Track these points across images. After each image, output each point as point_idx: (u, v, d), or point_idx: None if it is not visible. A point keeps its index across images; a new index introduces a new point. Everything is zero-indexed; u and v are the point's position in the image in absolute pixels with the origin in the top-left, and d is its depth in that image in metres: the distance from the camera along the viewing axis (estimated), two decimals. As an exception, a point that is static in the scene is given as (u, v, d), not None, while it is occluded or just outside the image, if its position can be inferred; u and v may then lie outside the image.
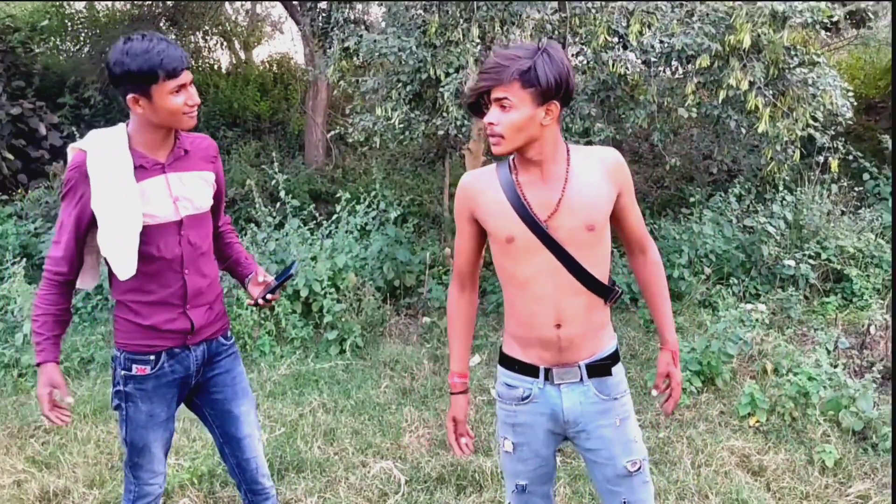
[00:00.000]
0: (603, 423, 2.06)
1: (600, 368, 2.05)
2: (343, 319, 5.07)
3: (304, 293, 5.13)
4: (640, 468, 2.09)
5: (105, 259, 2.19)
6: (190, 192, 2.25)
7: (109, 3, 13.79)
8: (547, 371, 2.04)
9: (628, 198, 2.02)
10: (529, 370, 2.06)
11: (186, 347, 2.31)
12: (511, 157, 2.01)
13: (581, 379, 2.03)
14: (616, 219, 2.04)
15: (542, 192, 1.95)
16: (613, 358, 2.08)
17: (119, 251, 2.13)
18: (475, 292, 2.21)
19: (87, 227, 2.16)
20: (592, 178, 1.95)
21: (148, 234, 2.16)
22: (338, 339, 5.01)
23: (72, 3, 12.69)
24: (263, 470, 2.56)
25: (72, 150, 2.18)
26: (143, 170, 2.15)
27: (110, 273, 2.21)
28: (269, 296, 2.38)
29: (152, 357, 2.26)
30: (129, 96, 2.07)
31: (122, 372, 2.27)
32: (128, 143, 2.15)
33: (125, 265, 2.14)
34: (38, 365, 2.21)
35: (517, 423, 2.11)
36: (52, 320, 2.20)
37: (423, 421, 4.04)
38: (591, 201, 1.94)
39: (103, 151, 2.12)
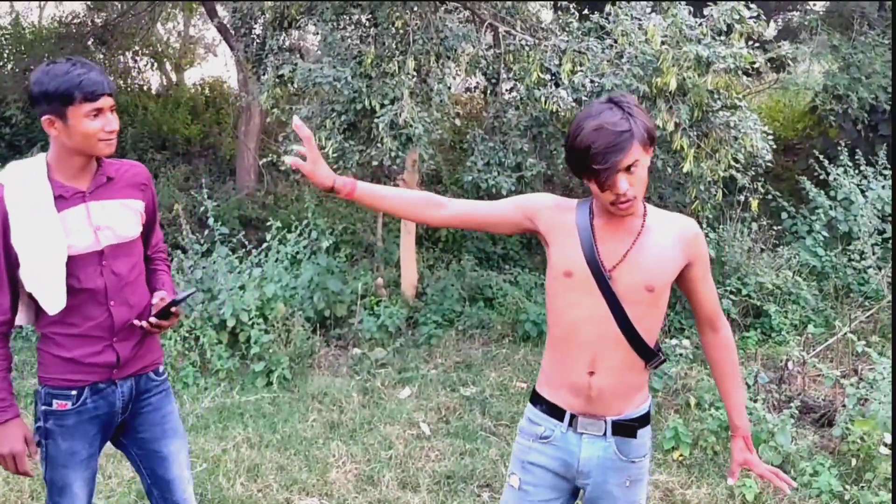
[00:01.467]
0: (613, 481, 2.04)
1: (626, 429, 2.02)
2: (271, 350, 4.97)
3: (230, 323, 5.02)
4: None
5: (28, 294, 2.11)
6: (112, 220, 2.17)
7: (35, 21, 13.41)
8: (573, 417, 2.02)
9: (700, 270, 2.01)
10: (555, 412, 2.05)
11: (112, 382, 2.22)
12: (592, 199, 1.98)
13: (605, 434, 2.02)
14: (687, 291, 2.04)
15: (614, 242, 1.94)
16: (642, 420, 2.06)
17: (45, 286, 2.05)
18: (439, 217, 2.08)
19: (15, 266, 2.07)
20: (664, 241, 1.95)
21: (69, 266, 2.08)
22: (265, 371, 4.91)
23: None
24: None
25: None
26: (62, 199, 2.08)
27: (35, 306, 2.13)
28: (153, 320, 2.23)
29: (74, 392, 2.16)
30: (45, 117, 2.02)
31: (43, 407, 2.17)
32: (47, 172, 2.08)
33: (54, 299, 2.06)
34: (6, 422, 2.08)
35: (529, 461, 2.09)
36: (4, 374, 2.09)
37: (350, 456, 3.97)
38: (656, 263, 1.93)
39: (21, 183, 2.05)
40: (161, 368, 2.38)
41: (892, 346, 4.60)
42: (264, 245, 5.75)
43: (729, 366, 2.11)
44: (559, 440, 2.04)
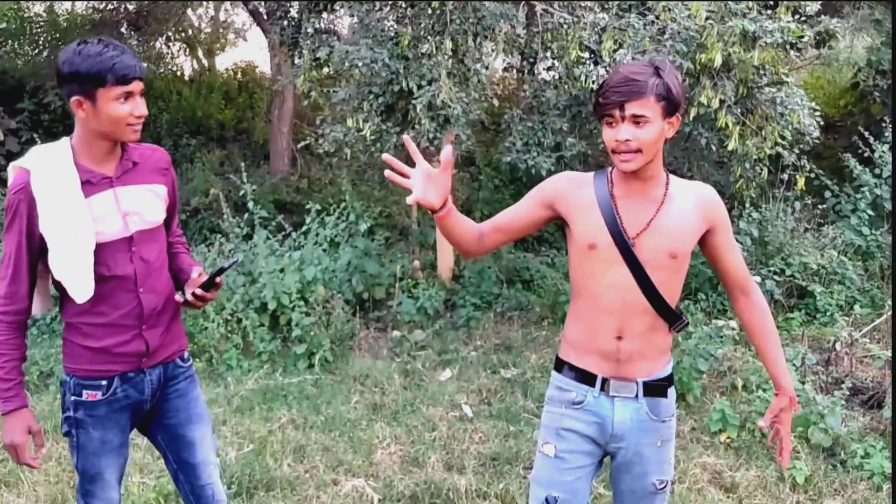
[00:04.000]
0: (646, 442, 2.08)
1: (657, 389, 2.06)
2: (312, 333, 4.99)
3: (272, 306, 5.05)
4: (665, 486, 2.13)
5: (55, 282, 2.09)
6: (140, 206, 2.14)
7: (69, 6, 13.54)
8: (604, 381, 2.05)
9: (722, 236, 2.02)
10: (586, 377, 2.07)
11: (141, 371, 2.20)
12: (610, 170, 2.03)
13: (637, 396, 2.05)
14: (712, 258, 2.06)
15: (636, 210, 1.97)
16: (669, 380, 2.10)
17: (74, 273, 2.03)
18: (489, 244, 2.12)
19: (37, 254, 2.04)
20: (685, 208, 1.98)
21: (98, 253, 2.05)
22: (306, 353, 4.93)
23: (31, 6, 12.42)
24: (220, 497, 2.43)
25: (13, 170, 2.05)
26: (90, 185, 2.05)
27: (61, 294, 2.12)
28: (198, 291, 2.21)
29: (104, 382, 2.14)
30: (74, 98, 1.97)
31: (72, 397, 2.15)
32: (72, 157, 2.04)
33: (82, 287, 2.04)
34: (9, 413, 2.06)
35: (563, 428, 2.10)
36: (16, 364, 2.08)
37: (394, 437, 3.98)
38: (679, 229, 1.96)
39: (48, 169, 2.01)
40: (186, 354, 2.36)
41: (893, 346, 4.51)
42: (303, 228, 5.75)
43: (766, 327, 2.09)
44: (592, 405, 2.06)
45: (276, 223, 5.86)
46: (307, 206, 5.89)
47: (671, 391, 2.10)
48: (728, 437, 3.90)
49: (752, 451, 3.80)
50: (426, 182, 1.92)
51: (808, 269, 5.82)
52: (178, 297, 2.24)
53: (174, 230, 2.40)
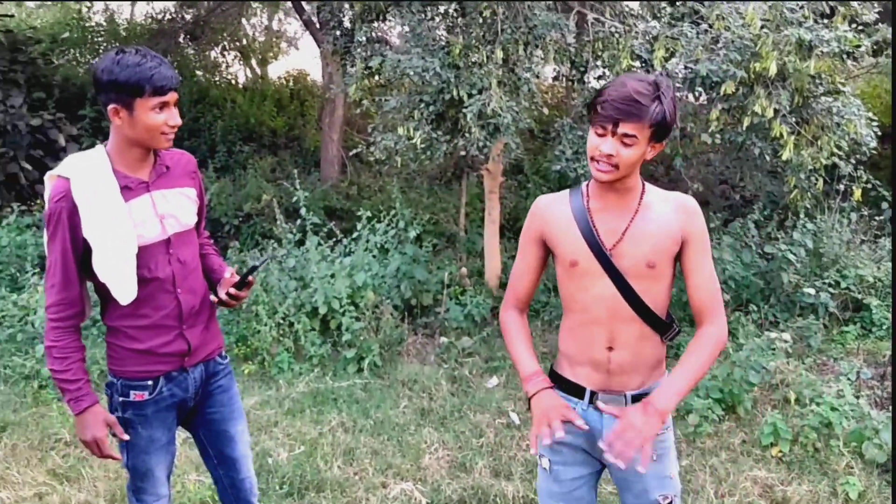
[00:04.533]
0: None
1: None
2: (361, 338, 5.06)
3: (322, 310, 5.13)
4: (671, 502, 2.11)
5: (96, 285, 2.16)
6: (175, 209, 2.22)
7: (128, 16, 13.94)
8: (593, 394, 2.06)
9: (694, 250, 1.98)
10: (575, 390, 2.08)
11: (184, 370, 2.28)
12: (584, 184, 2.06)
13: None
14: (684, 273, 2.03)
15: (611, 221, 1.99)
16: None
17: (119, 275, 2.09)
18: (527, 316, 2.23)
19: (81, 259, 2.11)
20: (662, 217, 1.98)
21: (138, 256, 2.11)
22: (356, 358, 5.00)
23: (92, 14, 12.83)
24: (255, 490, 2.54)
25: (50, 179, 2.11)
26: (128, 190, 2.12)
27: (102, 298, 2.19)
28: (232, 290, 2.29)
29: (150, 382, 2.22)
30: (111, 106, 2.03)
31: (120, 399, 2.22)
32: (110, 164, 2.11)
33: (126, 289, 2.10)
34: (83, 411, 2.13)
35: (556, 441, 2.08)
36: (80, 364, 2.14)
37: (442, 442, 4.02)
38: (655, 238, 1.96)
39: (87, 176, 2.08)
40: (224, 352, 2.44)
41: (893, 346, 4.39)
42: (354, 234, 5.84)
43: (690, 353, 1.95)
44: (581, 418, 2.05)
45: (327, 229, 5.95)
46: (357, 213, 5.97)
47: None
48: (780, 451, 3.84)
49: (805, 465, 3.74)
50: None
51: (864, 281, 5.71)
52: (213, 297, 2.32)
53: (202, 231, 2.48)
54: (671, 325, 2.04)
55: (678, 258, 2.01)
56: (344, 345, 5.08)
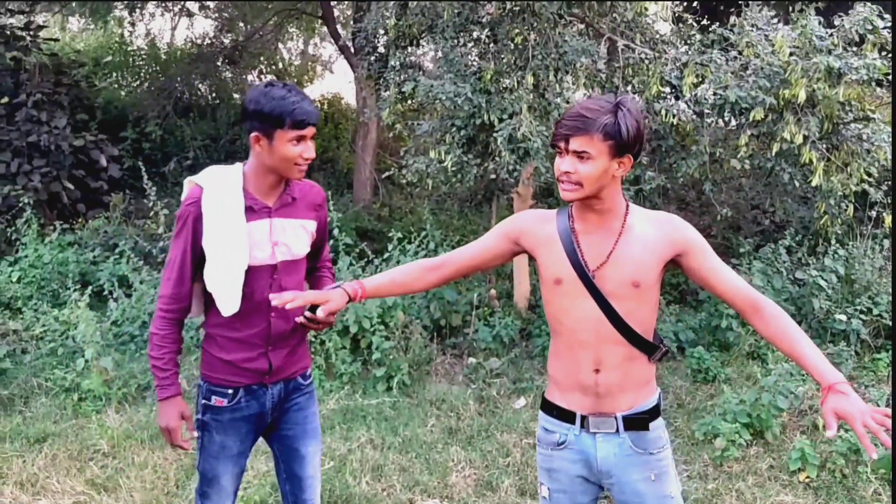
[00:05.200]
0: (637, 477, 2.06)
1: (637, 422, 2.06)
2: (391, 357, 5.14)
3: (353, 329, 5.22)
4: None
5: (204, 292, 2.30)
6: (289, 238, 2.33)
7: (169, 41, 14.32)
8: (583, 418, 2.07)
9: (699, 258, 1.99)
10: (567, 416, 2.09)
11: (264, 385, 2.37)
12: (570, 205, 2.06)
13: (617, 430, 2.05)
14: (703, 284, 2.02)
15: (596, 243, 2.00)
16: (652, 413, 2.09)
17: (225, 288, 2.23)
18: (436, 280, 2.21)
19: (197, 263, 2.26)
20: (646, 238, 1.99)
21: (245, 274, 2.24)
22: (385, 376, 5.07)
23: (134, 39, 13.21)
24: None
25: (188, 184, 2.28)
26: (251, 211, 2.25)
27: (206, 303, 2.33)
28: (308, 314, 2.29)
29: (230, 391, 2.34)
30: (253, 134, 2.18)
31: (203, 401, 2.36)
32: (242, 183, 2.25)
33: (230, 302, 2.24)
34: (166, 399, 2.29)
35: (552, 469, 2.14)
36: (174, 356, 2.30)
37: (469, 461, 4.06)
38: (640, 259, 1.97)
39: (219, 189, 2.23)
40: (308, 372, 2.52)
41: (893, 348, 4.33)
42: (385, 255, 5.94)
43: (791, 330, 1.92)
44: (574, 443, 2.08)
45: (358, 250, 6.06)
46: (388, 234, 6.08)
47: (655, 424, 2.08)
48: (807, 477, 3.83)
49: (832, 491, 3.73)
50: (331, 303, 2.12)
51: (897, 308, 5.66)
52: (298, 318, 2.38)
53: (323, 257, 2.59)
54: (658, 346, 2.05)
55: (687, 275, 2.02)
56: (374, 363, 5.16)
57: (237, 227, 2.22)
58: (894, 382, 3.77)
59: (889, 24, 4.70)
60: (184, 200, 2.26)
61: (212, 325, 2.35)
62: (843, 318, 5.45)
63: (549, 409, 2.14)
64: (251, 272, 2.26)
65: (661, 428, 2.11)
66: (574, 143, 1.88)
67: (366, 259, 5.96)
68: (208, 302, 2.33)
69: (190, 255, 2.25)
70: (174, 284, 2.26)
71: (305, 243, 2.39)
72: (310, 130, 2.19)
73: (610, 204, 1.98)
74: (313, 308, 2.32)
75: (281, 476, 2.54)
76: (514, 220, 2.15)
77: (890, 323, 5.56)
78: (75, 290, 5.74)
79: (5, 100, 8.60)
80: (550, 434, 2.13)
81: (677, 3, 10.18)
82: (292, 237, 2.34)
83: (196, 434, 2.36)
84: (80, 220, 8.32)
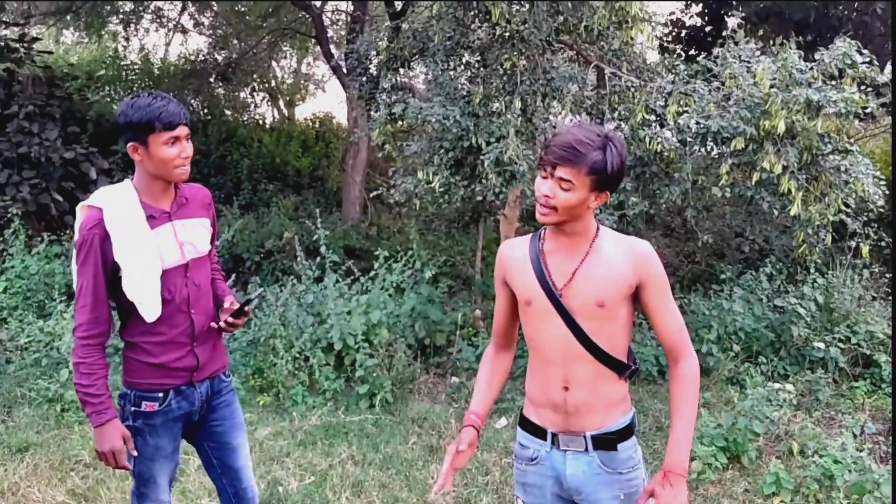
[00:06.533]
0: (605, 497, 2.09)
1: (606, 442, 2.08)
2: (374, 374, 5.18)
3: (338, 346, 5.26)
4: None
5: (119, 305, 2.37)
6: (193, 237, 2.44)
7: (162, 56, 14.41)
8: (554, 436, 2.12)
9: (653, 293, 2.03)
10: (539, 432, 2.15)
11: (192, 385, 2.47)
12: (543, 229, 2.13)
13: (586, 449, 2.08)
14: (648, 316, 2.07)
15: (563, 262, 2.05)
16: (622, 433, 2.10)
17: (146, 295, 2.31)
18: (510, 355, 2.32)
19: (110, 282, 2.31)
20: (613, 259, 2.02)
21: (161, 279, 2.34)
22: (368, 394, 5.11)
23: (127, 55, 13.29)
24: (256, 499, 2.70)
25: (82, 209, 2.34)
26: (153, 219, 2.35)
27: (123, 317, 2.40)
28: (229, 318, 2.48)
29: (160, 394, 2.41)
30: (130, 145, 2.29)
31: (132, 408, 2.41)
32: (137, 196, 2.35)
33: (152, 308, 2.32)
34: (104, 423, 2.29)
35: (527, 483, 2.20)
36: (104, 381, 2.31)
37: (449, 479, 4.09)
38: (605, 279, 2.01)
39: (117, 206, 2.31)
40: (227, 371, 2.64)
41: (893, 351, 4.42)
42: (371, 273, 5.99)
43: (681, 400, 2.02)
44: (545, 459, 2.14)
45: (345, 267, 6.11)
46: (376, 253, 6.13)
47: (624, 445, 2.10)
48: (781, 501, 3.89)
49: (806, 516, 3.78)
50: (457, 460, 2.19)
51: (875, 338, 5.74)
52: (213, 324, 2.51)
53: (212, 258, 2.69)
54: (628, 364, 2.08)
55: (637, 301, 2.06)
56: (357, 380, 5.20)
57: (144, 236, 2.31)
58: (894, 382, 3.83)
59: (867, 60, 4.83)
60: (82, 226, 2.29)
61: (134, 333, 2.40)
62: (822, 345, 5.53)
63: (525, 424, 2.20)
64: (166, 275, 2.35)
65: (631, 448, 2.13)
66: (560, 172, 1.93)
67: (352, 277, 6.01)
68: (123, 314, 2.40)
69: (102, 277, 2.29)
70: (90, 310, 2.29)
71: (207, 239, 2.51)
72: (181, 130, 2.30)
73: (581, 228, 2.03)
74: (237, 313, 2.48)
75: (215, 472, 2.63)
76: (497, 263, 2.21)
77: (868, 352, 5.65)
78: (61, 302, 5.75)
79: (-3, 111, 8.63)
80: (525, 449, 2.19)
81: (666, 33, 10.37)
82: (195, 235, 2.45)
83: (135, 452, 2.37)
84: (67, 231, 8.32)
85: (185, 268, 2.41)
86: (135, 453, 2.38)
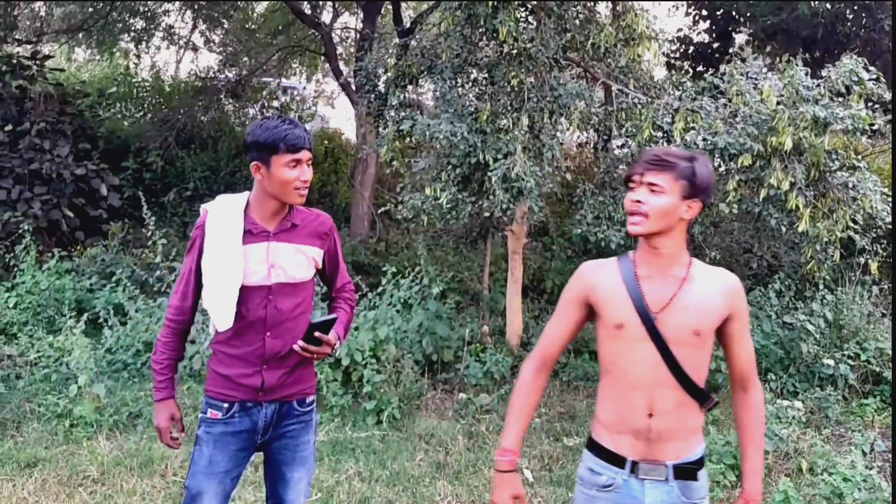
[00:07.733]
0: None
1: (687, 472, 2.08)
2: (382, 390, 5.17)
3: (345, 362, 5.26)
4: None
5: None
6: (286, 262, 2.42)
7: (174, 73, 14.54)
8: (634, 464, 2.08)
9: (738, 326, 2.09)
10: (616, 460, 2.11)
11: (258, 403, 2.45)
12: (632, 254, 2.13)
13: (667, 479, 2.07)
14: (725, 345, 2.11)
15: (659, 287, 2.06)
16: (700, 463, 2.12)
17: (219, 305, 2.37)
18: (548, 376, 2.28)
19: (200, 281, 2.44)
20: (708, 289, 2.05)
21: (241, 294, 2.37)
22: (375, 410, 5.10)
23: (139, 71, 13.40)
24: None
25: (203, 210, 2.46)
26: (250, 234, 2.39)
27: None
28: (301, 343, 2.37)
29: (225, 405, 2.43)
30: (253, 163, 2.35)
31: (202, 414, 2.47)
32: (244, 209, 2.41)
33: (224, 318, 2.38)
34: (159, 401, 2.49)
35: None
36: (173, 362, 2.49)
37: (456, 496, 4.09)
38: (702, 307, 2.03)
39: (222, 214, 2.40)
40: (308, 399, 2.56)
41: (893, 353, 4.38)
42: (379, 289, 6.00)
43: (753, 429, 2.14)
44: (622, 487, 2.09)
45: (353, 283, 6.11)
46: (384, 269, 6.14)
47: (702, 473, 2.11)
48: (791, 519, 3.86)
49: (816, 534, 3.75)
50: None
51: (885, 354, 5.72)
52: (295, 346, 2.43)
53: (341, 287, 2.72)
54: (709, 395, 2.09)
55: (717, 332, 2.09)
56: (364, 396, 5.20)
57: (233, 249, 2.36)
58: (894, 383, 3.79)
59: (874, 77, 4.84)
60: (196, 225, 2.46)
61: (216, 341, 2.48)
62: (831, 362, 5.51)
63: (597, 450, 2.15)
64: (246, 292, 2.37)
65: (705, 477, 2.14)
66: (649, 176, 2.00)
67: (360, 293, 6.02)
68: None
69: (194, 274, 2.44)
70: (179, 297, 2.48)
71: (304, 268, 2.47)
72: (304, 154, 2.33)
73: (674, 249, 2.06)
74: (313, 338, 2.38)
75: (268, 492, 2.62)
76: (578, 282, 2.18)
77: (877, 369, 5.62)
78: (71, 317, 5.78)
79: (9, 127, 8.72)
80: (597, 476, 2.14)
81: (673, 50, 10.41)
82: (290, 261, 2.43)
83: (184, 434, 2.51)
84: (78, 247, 8.39)
85: (269, 290, 2.40)
86: (183, 434, 2.49)
